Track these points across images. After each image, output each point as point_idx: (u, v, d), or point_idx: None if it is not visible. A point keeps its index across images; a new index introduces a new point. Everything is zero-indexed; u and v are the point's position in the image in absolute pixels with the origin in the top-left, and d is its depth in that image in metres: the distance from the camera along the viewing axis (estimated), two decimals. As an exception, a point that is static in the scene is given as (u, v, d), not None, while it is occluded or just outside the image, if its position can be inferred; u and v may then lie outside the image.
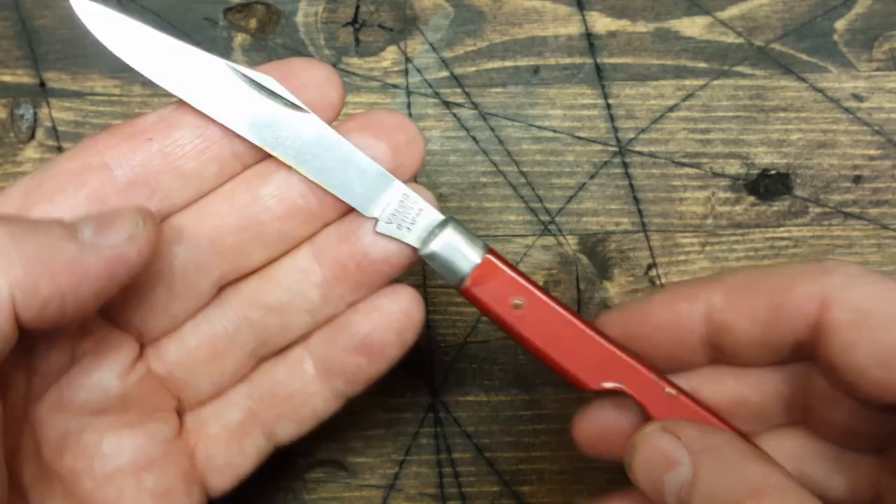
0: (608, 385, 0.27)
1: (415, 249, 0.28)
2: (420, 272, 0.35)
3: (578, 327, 0.28)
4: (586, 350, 0.28)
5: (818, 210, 0.36)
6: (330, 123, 0.28)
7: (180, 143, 0.27)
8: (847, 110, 0.36)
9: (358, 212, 0.28)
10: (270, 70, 0.27)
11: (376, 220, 0.28)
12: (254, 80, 0.27)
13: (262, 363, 0.30)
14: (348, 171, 0.27)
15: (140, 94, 0.36)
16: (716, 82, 0.36)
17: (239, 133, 0.27)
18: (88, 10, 0.27)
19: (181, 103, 0.27)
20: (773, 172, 0.36)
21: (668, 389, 0.27)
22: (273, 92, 0.27)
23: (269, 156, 0.28)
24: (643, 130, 0.36)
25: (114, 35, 0.27)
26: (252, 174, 0.28)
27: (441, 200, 0.36)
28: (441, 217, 0.28)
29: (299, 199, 0.28)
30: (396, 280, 0.29)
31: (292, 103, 0.27)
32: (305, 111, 0.27)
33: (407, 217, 0.28)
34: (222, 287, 0.29)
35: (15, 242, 0.24)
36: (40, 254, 0.24)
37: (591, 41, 0.37)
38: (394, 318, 0.28)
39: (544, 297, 0.28)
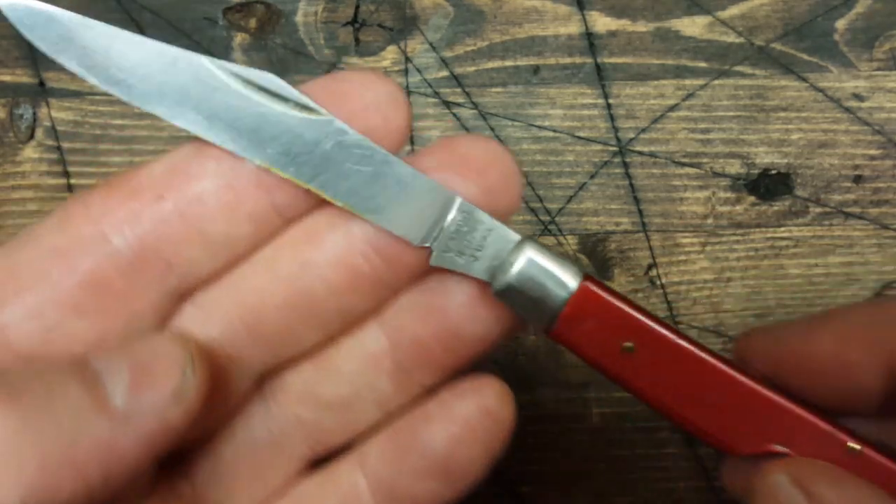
0: (770, 448, 0.21)
1: (485, 285, 0.22)
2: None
3: (718, 372, 0.21)
4: (732, 402, 0.21)
5: (819, 210, 0.35)
6: (396, 154, 0.22)
7: (201, 199, 0.21)
8: (848, 110, 0.36)
9: (441, 273, 0.22)
10: (316, 88, 0.21)
11: (430, 250, 0.22)
12: (248, 80, 0.21)
13: (310, 473, 0.23)
14: (384, 186, 0.21)
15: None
16: (716, 82, 0.36)
17: (235, 151, 0.21)
18: (17, 7, 0.20)
19: (198, 144, 0.21)
20: (773, 172, 0.36)
21: (851, 444, 0.21)
22: (275, 93, 0.21)
23: (319, 207, 0.22)
24: (643, 130, 0.36)
25: (55, 37, 0.21)
26: (299, 233, 0.22)
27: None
28: (515, 237, 0.22)
29: (362, 263, 0.21)
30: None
31: (303, 105, 0.21)
32: (321, 113, 0.21)
33: (470, 242, 0.22)
34: (264, 377, 0.23)
35: (28, 431, 0.18)
36: (61, 442, 0.18)
37: (591, 41, 0.36)
38: (479, 426, 0.22)
39: (665, 333, 0.21)
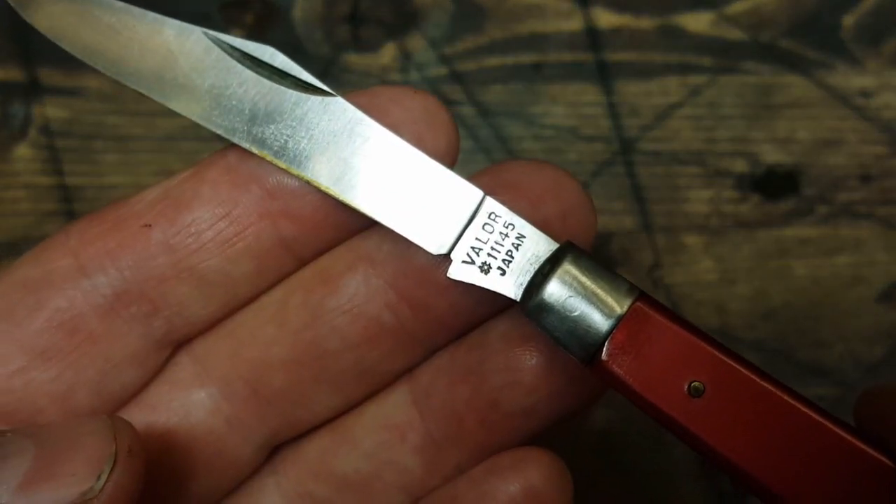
0: None
1: (515, 304, 0.18)
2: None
3: (814, 424, 0.16)
4: (836, 465, 0.16)
5: (825, 209, 0.35)
6: None
7: (195, 230, 0.18)
8: (855, 108, 0.36)
9: (477, 331, 0.19)
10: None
11: (448, 259, 0.18)
12: (245, 54, 0.19)
13: None
14: (398, 182, 0.18)
15: (135, 92, 0.36)
16: (721, 79, 0.36)
17: (229, 137, 0.18)
18: None
19: (197, 170, 0.18)
20: (779, 171, 0.35)
21: None
22: (276, 69, 0.19)
23: (337, 243, 0.19)
24: (647, 128, 0.36)
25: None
26: (311, 275, 0.18)
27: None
28: (553, 245, 0.18)
29: (385, 313, 0.18)
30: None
31: (307, 84, 0.18)
32: (328, 94, 0.18)
33: (498, 251, 0.18)
34: (276, 448, 0.19)
35: None
36: None
37: (593, 37, 0.36)
38: None
39: (746, 372, 0.16)
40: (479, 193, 0.18)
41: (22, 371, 0.18)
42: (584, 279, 0.17)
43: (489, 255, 0.18)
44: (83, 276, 0.18)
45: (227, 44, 0.19)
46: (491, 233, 0.18)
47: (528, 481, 0.18)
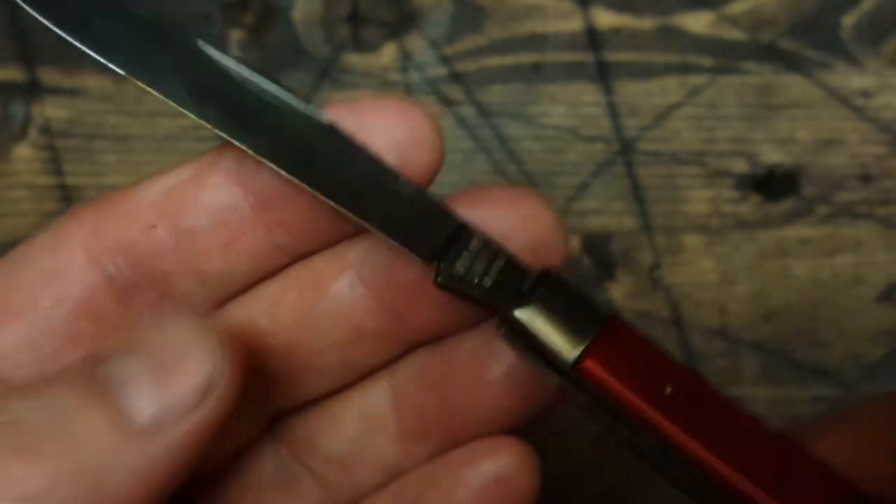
0: None
1: (493, 316, 0.20)
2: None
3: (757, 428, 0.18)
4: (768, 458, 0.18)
5: (826, 210, 0.35)
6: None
7: (195, 236, 0.19)
8: (855, 108, 0.36)
9: (458, 338, 0.20)
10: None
11: (438, 267, 0.19)
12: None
13: None
14: (382, 196, 0.19)
15: (135, 92, 0.36)
16: (721, 79, 0.36)
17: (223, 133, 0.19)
18: None
19: (196, 166, 0.20)
20: (779, 171, 0.35)
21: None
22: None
23: (326, 245, 0.20)
24: (647, 128, 0.36)
25: None
26: (304, 276, 0.20)
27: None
28: (527, 270, 0.19)
29: (368, 320, 0.20)
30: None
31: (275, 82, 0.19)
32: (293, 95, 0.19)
33: (478, 269, 0.19)
34: (277, 419, 0.21)
35: (57, 488, 0.15)
36: (89, 487, 0.16)
37: (593, 37, 0.36)
38: (491, 497, 0.20)
39: (704, 381, 0.19)
40: (457, 216, 0.19)
41: (54, 355, 0.19)
42: (559, 302, 0.19)
43: (469, 270, 0.19)
44: (99, 268, 0.19)
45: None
46: (471, 252, 0.19)
47: (499, 468, 0.20)
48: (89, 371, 0.17)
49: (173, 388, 0.16)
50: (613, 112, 0.36)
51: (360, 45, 0.36)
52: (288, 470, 0.21)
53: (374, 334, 0.20)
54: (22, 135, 0.35)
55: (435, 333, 0.20)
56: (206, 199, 0.19)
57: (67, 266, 0.19)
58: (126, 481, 0.16)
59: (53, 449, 0.16)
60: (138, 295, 0.19)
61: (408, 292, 0.20)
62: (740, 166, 0.35)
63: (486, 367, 0.20)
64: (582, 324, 0.19)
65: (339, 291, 0.20)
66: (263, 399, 0.20)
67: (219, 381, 0.16)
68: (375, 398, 0.21)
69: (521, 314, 0.19)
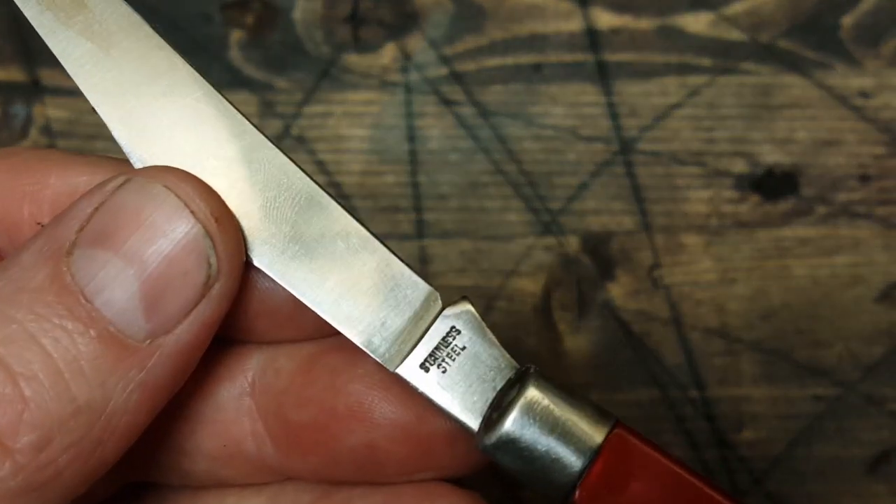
0: None
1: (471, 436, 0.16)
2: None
3: None
4: None
5: (824, 209, 0.35)
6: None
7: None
8: (854, 108, 0.36)
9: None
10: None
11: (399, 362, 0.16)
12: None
13: None
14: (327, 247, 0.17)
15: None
16: (720, 80, 0.36)
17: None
18: None
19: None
20: (778, 171, 0.35)
21: None
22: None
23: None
24: (646, 128, 0.36)
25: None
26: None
27: (441, 200, 0.35)
28: (512, 366, 0.16)
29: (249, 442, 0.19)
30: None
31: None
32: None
33: (447, 361, 0.16)
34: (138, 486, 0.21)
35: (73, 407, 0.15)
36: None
37: (593, 38, 0.36)
38: None
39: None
40: (423, 284, 0.17)
41: None
42: (547, 403, 0.15)
43: (438, 362, 0.16)
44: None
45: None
46: (442, 340, 0.16)
47: None
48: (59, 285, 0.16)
49: (163, 298, 0.15)
50: (613, 112, 0.36)
51: (360, 45, 0.36)
52: None
53: (256, 460, 0.19)
54: (23, 135, 0.35)
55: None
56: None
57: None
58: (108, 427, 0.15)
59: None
60: None
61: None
62: (740, 166, 0.35)
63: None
64: (575, 441, 0.15)
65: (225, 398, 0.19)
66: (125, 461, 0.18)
67: (214, 285, 0.16)
68: None
69: (498, 437, 0.15)
